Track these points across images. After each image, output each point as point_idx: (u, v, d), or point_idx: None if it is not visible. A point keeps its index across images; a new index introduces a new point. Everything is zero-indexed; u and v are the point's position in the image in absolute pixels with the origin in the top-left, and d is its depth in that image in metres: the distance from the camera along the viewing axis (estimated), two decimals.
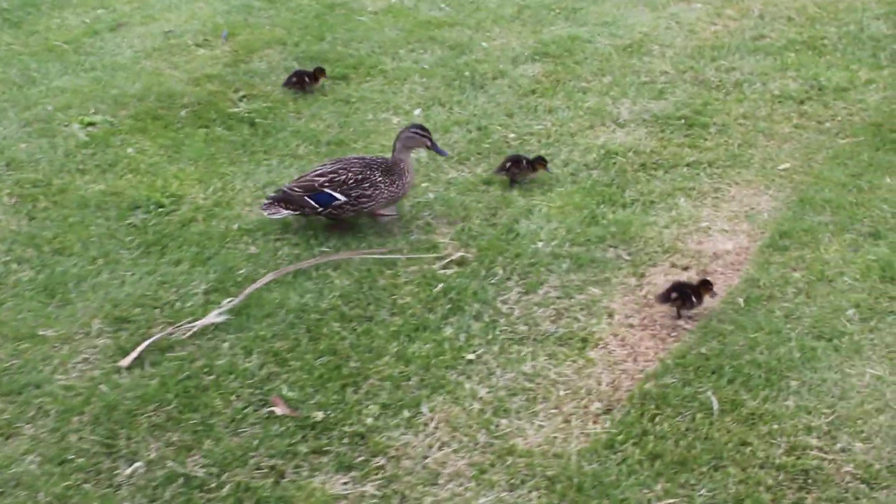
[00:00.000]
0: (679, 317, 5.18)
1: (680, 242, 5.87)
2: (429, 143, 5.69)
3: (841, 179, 6.45)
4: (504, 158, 6.38)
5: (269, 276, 5.52)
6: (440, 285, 5.49)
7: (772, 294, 5.39)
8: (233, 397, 4.75)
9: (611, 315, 5.31)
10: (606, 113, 7.39)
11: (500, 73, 8.05)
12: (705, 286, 5.17)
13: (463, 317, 5.28)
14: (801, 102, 7.55)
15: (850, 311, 5.21)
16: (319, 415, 4.62)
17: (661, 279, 5.54)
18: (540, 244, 5.87)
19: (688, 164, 6.72)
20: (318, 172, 5.64)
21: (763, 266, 5.61)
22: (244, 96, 7.81)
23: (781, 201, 6.28)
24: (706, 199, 6.34)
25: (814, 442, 4.41)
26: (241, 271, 5.63)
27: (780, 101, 7.55)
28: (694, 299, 5.15)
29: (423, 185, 6.50)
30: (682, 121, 7.26)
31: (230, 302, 5.32)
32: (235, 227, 6.05)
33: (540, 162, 6.29)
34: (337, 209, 5.62)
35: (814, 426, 4.49)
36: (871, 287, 5.39)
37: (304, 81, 7.57)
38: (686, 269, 5.65)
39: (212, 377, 4.86)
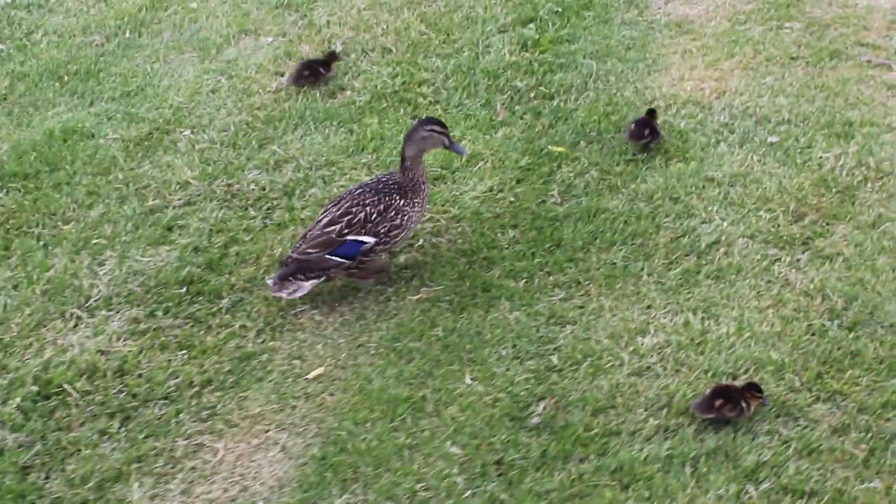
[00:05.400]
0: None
1: None
2: (447, 142, 4.66)
3: (395, 392, 4.09)
4: (635, 126, 5.39)
5: None
6: None
7: None
8: None
9: None
10: (74, 288, 4.73)
11: None
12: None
13: None
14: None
15: None
16: None
17: None
18: None
19: (166, 396, 4.18)
20: (327, 221, 4.52)
21: None
22: None
23: (294, 460, 3.87)
24: (176, 477, 3.87)
25: None
26: None
27: None
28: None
29: None
30: (185, 288, 4.68)
31: None
32: None
33: (650, 113, 5.43)
34: (368, 255, 4.53)
35: None
36: None
37: (318, 73, 6.12)
38: None
39: None
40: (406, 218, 4.59)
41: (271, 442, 3.99)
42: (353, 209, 4.53)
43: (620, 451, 3.79)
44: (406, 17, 6.90)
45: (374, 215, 4.52)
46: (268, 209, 5.25)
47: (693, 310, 4.41)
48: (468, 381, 4.16)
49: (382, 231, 4.54)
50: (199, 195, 5.36)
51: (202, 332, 4.51)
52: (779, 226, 4.86)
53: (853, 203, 4.98)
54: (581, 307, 4.48)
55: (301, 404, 4.14)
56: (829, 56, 6.19)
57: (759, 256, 4.68)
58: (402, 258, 4.87)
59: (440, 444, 3.89)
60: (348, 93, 6.18)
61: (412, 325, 4.46)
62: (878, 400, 3.95)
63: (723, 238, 4.79)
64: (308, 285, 4.50)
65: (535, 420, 3.95)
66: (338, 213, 4.54)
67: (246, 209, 5.25)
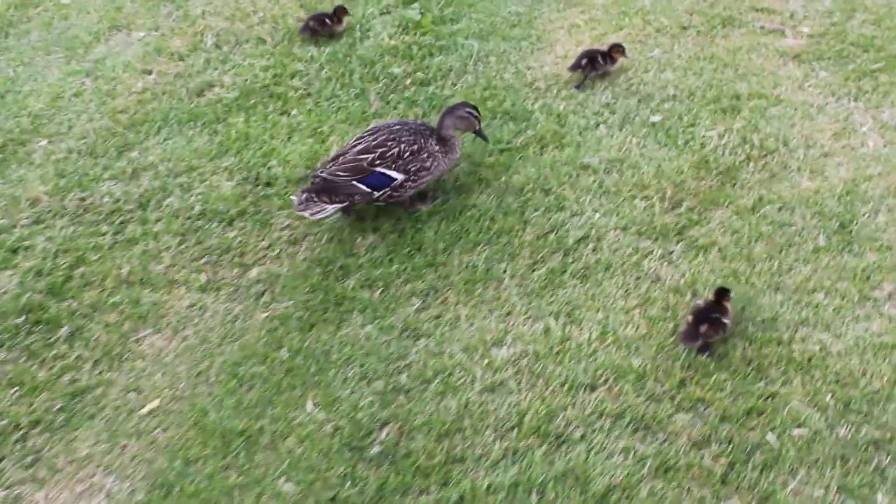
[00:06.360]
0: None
1: None
2: (477, 127, 4.75)
3: (231, 425, 3.81)
4: (579, 54, 5.42)
5: None
6: None
7: None
8: None
9: None
10: None
11: None
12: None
13: None
14: (230, 223, 4.78)
15: None
16: None
17: None
18: None
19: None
20: (362, 148, 4.54)
21: None
22: None
23: None
24: None
25: None
26: None
27: (200, 231, 4.75)
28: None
29: None
30: (24, 317, 4.37)
31: None
32: None
33: (617, 49, 5.37)
34: (397, 190, 4.54)
35: None
36: None
37: (324, 23, 6.01)
38: None
39: None
40: (435, 163, 4.62)
41: (96, 488, 3.72)
42: (389, 143, 4.54)
43: (463, 481, 3.52)
44: (284, 3, 6.55)
45: (407, 153, 4.54)
46: (121, 223, 4.93)
47: (555, 314, 4.14)
48: (310, 407, 3.88)
49: (412, 170, 4.54)
50: (49, 212, 5.04)
51: (36, 367, 4.21)
52: (654, 215, 4.58)
53: (734, 185, 4.71)
54: (437, 317, 4.20)
55: (132, 443, 3.86)
56: (721, 23, 5.89)
57: (630, 250, 4.41)
58: (254, 272, 4.58)
59: (273, 481, 3.62)
60: (217, 89, 5.84)
61: (257, 346, 4.17)
62: (743, 406, 3.70)
63: (593, 232, 4.51)
64: (331, 209, 4.50)
65: (376, 449, 3.69)
66: (373, 142, 4.55)
67: (98, 224, 4.94)
